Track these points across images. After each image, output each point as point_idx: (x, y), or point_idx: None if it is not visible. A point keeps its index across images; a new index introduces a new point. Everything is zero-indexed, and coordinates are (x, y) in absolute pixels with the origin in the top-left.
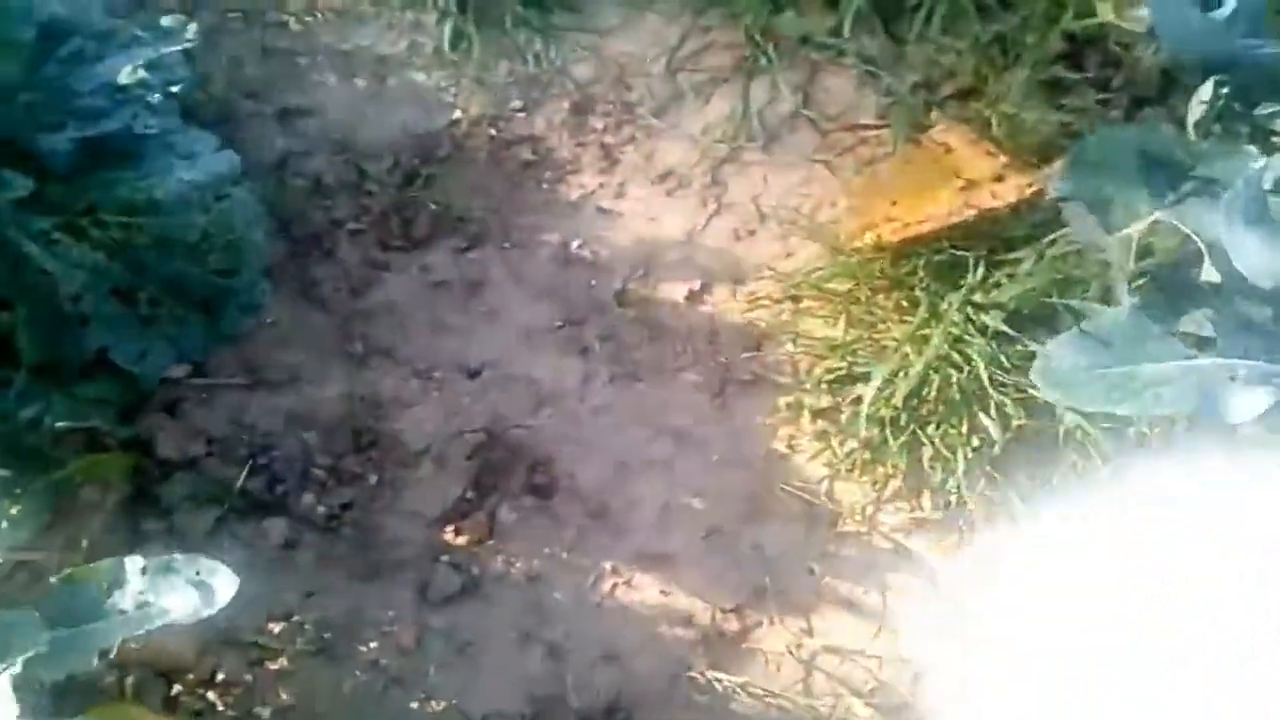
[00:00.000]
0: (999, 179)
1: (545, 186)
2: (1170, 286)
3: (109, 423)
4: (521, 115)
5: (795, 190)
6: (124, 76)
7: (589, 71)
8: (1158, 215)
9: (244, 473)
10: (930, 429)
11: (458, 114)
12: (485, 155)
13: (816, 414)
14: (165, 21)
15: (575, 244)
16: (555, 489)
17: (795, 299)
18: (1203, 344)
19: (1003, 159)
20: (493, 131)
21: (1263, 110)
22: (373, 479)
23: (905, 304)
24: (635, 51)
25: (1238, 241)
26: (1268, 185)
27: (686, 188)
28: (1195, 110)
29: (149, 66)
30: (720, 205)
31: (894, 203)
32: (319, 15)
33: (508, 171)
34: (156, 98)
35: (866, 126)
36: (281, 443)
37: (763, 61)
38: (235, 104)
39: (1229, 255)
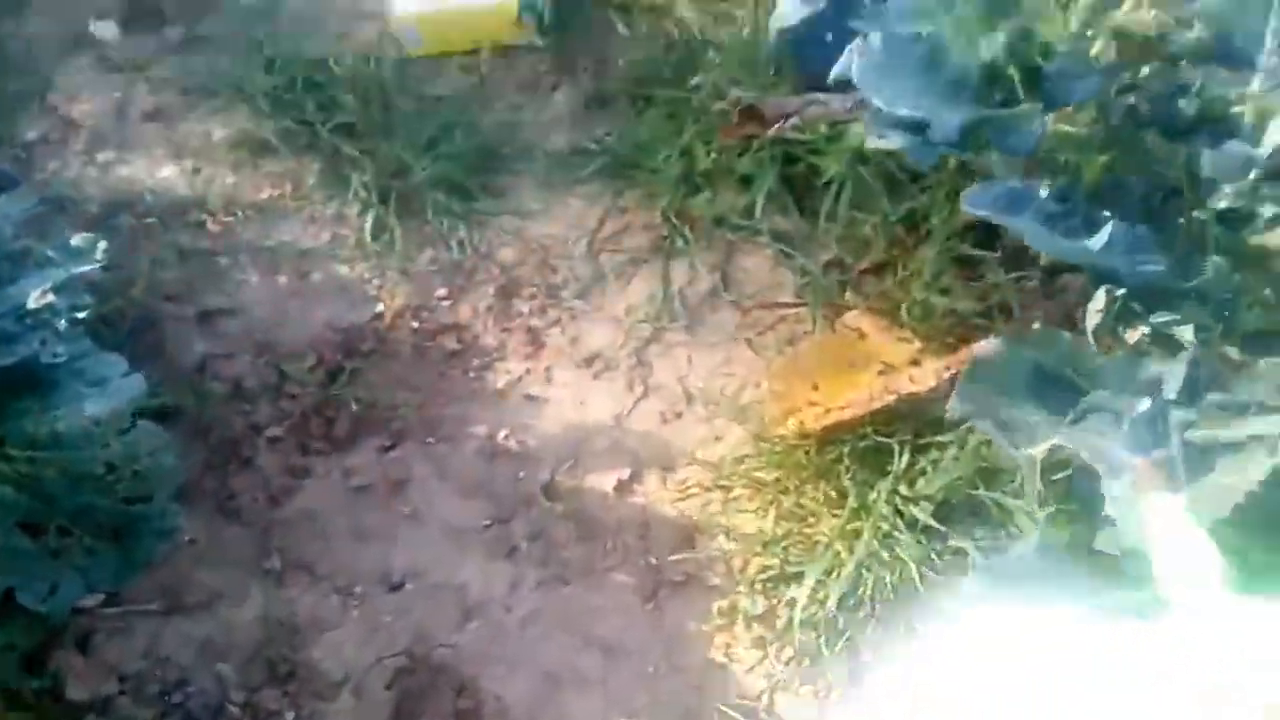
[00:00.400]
0: (915, 363)
1: (471, 375)
2: (1085, 499)
3: (13, 673)
4: (446, 303)
5: (719, 370)
6: (32, 300)
7: (513, 255)
8: (1057, 439)
9: (158, 714)
10: (868, 632)
11: (381, 306)
12: (410, 347)
13: (752, 619)
14: (76, 241)
15: (502, 434)
16: (481, 716)
17: (725, 488)
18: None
19: (917, 344)
20: (415, 323)
21: (1159, 318)
22: (290, 716)
23: (834, 494)
24: (558, 234)
25: (1125, 513)
26: (1170, 394)
27: (613, 370)
28: (1091, 318)
29: (57, 289)
30: (647, 388)
31: (815, 387)
32: (240, 213)
33: (433, 362)
34: (63, 324)
35: (785, 305)
36: (196, 676)
37: (680, 243)
38: (155, 308)
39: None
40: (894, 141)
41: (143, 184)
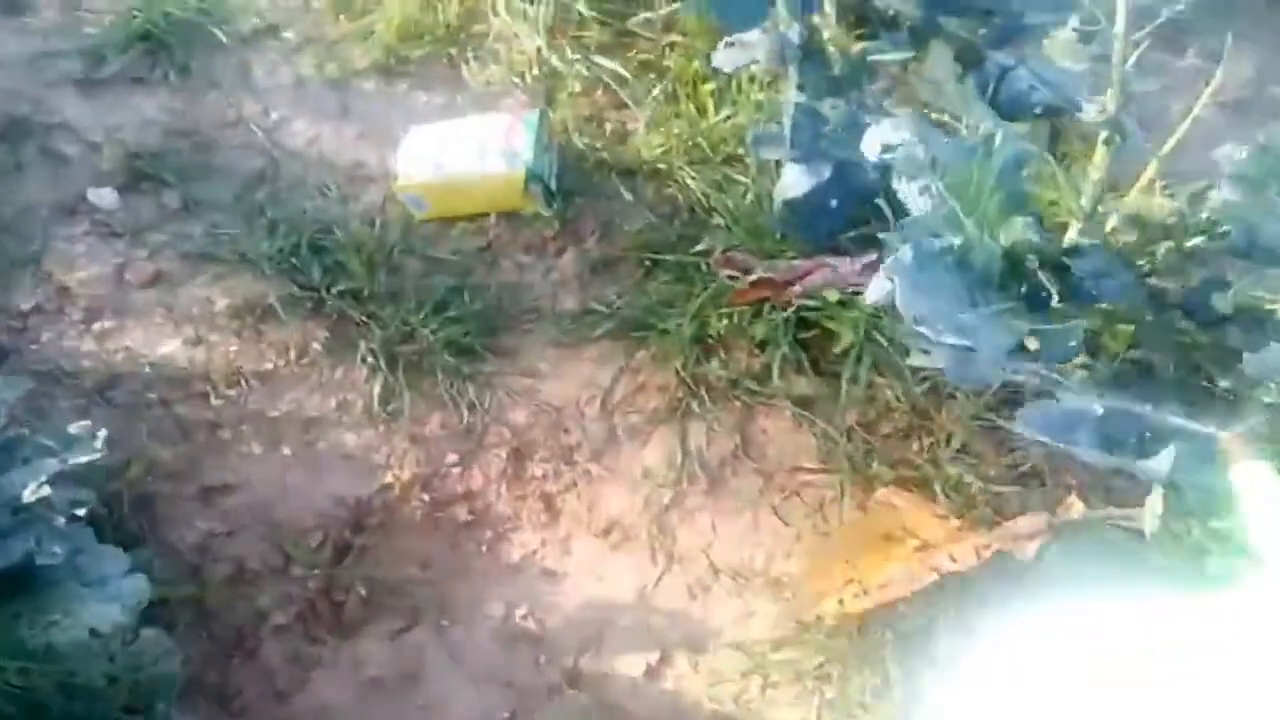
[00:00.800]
0: (953, 539)
1: (485, 549)
2: None
3: None
4: (457, 470)
5: (746, 539)
6: (28, 494)
7: (524, 417)
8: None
9: None
10: None
11: (390, 476)
12: (420, 519)
13: None
14: (73, 429)
15: (520, 614)
16: None
17: (762, 673)
18: None
19: (954, 520)
20: (425, 494)
21: (1217, 523)
22: None
23: (879, 683)
24: (569, 395)
25: None
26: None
27: (633, 539)
28: (1150, 522)
29: (53, 481)
30: (671, 558)
31: (849, 562)
32: (243, 383)
33: (445, 534)
34: (60, 520)
35: (809, 469)
36: None
37: (695, 404)
38: (153, 486)
39: None
40: (939, 361)
41: (142, 355)
